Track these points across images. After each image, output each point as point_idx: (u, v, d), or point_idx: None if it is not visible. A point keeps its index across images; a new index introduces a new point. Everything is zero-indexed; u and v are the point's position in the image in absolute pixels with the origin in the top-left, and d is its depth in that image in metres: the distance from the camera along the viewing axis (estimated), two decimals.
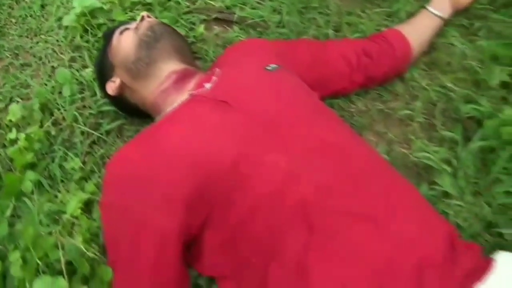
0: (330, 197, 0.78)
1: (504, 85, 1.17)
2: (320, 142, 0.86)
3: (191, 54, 1.14)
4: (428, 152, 1.11)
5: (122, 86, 1.09)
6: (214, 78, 0.99)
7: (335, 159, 0.84)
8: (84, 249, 0.92)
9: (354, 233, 0.75)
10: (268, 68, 1.00)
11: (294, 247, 0.76)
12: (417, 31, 1.21)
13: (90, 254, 0.92)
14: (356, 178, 0.82)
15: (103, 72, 1.13)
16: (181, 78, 1.02)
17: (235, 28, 1.33)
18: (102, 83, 1.13)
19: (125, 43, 1.06)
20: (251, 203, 0.80)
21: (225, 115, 0.88)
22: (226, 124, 0.87)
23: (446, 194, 1.07)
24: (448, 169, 1.09)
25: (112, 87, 1.09)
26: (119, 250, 0.87)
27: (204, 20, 1.34)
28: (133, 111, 1.15)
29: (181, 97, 0.98)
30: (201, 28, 1.30)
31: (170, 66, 1.03)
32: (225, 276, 0.88)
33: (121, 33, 1.10)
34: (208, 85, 0.97)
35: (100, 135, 1.17)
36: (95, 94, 1.23)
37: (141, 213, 0.83)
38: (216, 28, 1.34)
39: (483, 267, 0.74)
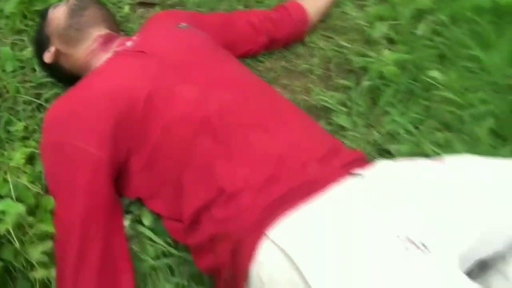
0: (230, 114, 0.95)
1: (389, 40, 1.39)
2: (222, 76, 1.04)
3: (115, 22, 1.29)
4: (325, 97, 1.30)
5: (57, 53, 1.21)
6: (134, 38, 1.16)
7: (234, 88, 1.02)
8: (28, 185, 1.04)
9: (250, 139, 0.92)
10: (180, 26, 1.18)
11: (202, 155, 0.92)
12: (314, 3, 1.42)
13: (34, 190, 1.04)
14: (252, 100, 1.00)
15: (40, 44, 1.25)
16: (107, 40, 1.18)
17: (156, 8, 1.50)
18: (40, 55, 1.26)
19: (57, 13, 1.20)
20: (164, 126, 0.95)
21: (141, 61, 1.04)
22: (142, 67, 1.03)
23: (342, 128, 1.24)
24: (343, 109, 1.28)
25: (48, 56, 1.22)
26: (58, 182, 0.99)
27: (129, 4, 1.51)
28: (68, 79, 1.26)
29: (107, 55, 1.13)
30: (126, 9, 1.47)
31: (97, 31, 1.18)
32: (151, 196, 1.02)
33: (54, 7, 1.23)
34: (129, 43, 1.14)
35: (41, 103, 1.31)
36: (34, 70, 1.36)
37: (74, 147, 0.96)
38: (140, 10, 1.52)
39: (364, 163, 0.92)
